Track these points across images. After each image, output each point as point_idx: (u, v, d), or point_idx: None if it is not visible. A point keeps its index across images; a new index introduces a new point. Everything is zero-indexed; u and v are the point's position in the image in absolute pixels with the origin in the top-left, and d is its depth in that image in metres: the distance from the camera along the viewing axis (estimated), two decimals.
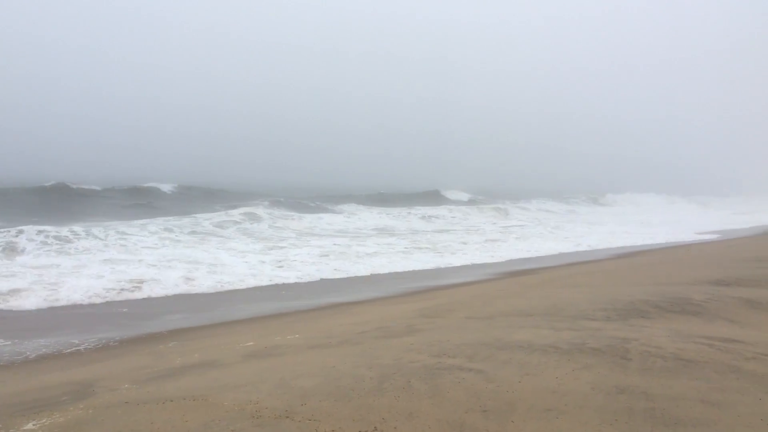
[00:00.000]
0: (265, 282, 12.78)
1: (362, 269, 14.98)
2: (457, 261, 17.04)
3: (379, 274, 14.35)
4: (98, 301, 10.43)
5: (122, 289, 11.11)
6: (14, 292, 10.66)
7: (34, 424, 3.87)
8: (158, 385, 4.80)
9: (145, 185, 44.56)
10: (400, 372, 4.48)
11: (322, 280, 13.41)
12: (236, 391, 4.29)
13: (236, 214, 28.28)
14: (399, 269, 15.15)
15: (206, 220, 26.13)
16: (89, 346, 7.60)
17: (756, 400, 3.65)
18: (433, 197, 57.06)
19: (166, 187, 45.53)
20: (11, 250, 16.00)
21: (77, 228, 19.74)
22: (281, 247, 19.46)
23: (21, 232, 17.66)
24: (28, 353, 7.28)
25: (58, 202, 33.29)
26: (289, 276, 13.63)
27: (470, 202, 55.44)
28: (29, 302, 10.17)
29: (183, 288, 11.71)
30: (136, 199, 38.17)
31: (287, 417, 3.67)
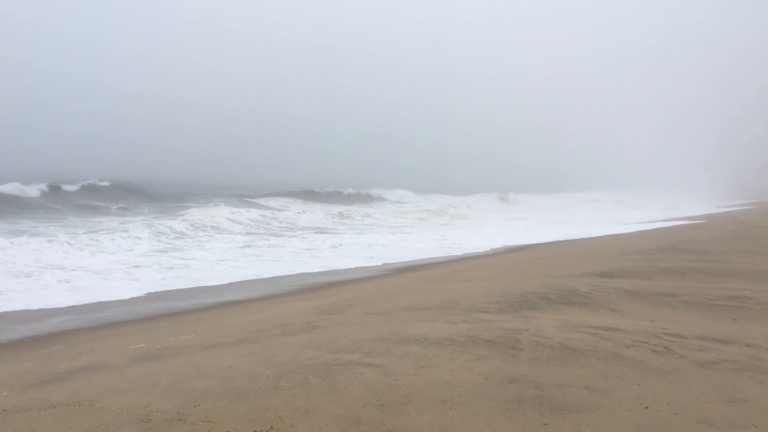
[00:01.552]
0: (159, 286, 12.25)
1: (262, 268, 14.74)
2: (355, 258, 17.10)
3: (278, 275, 14.17)
4: None
5: None
6: None
7: None
8: (41, 391, 4.54)
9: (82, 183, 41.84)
10: (297, 369, 4.45)
11: (223, 278, 13.05)
12: (125, 395, 4.13)
13: (153, 215, 27.31)
14: (299, 268, 15.00)
15: (112, 221, 24.93)
16: None
17: (635, 385, 3.89)
18: (365, 197, 57.33)
19: (102, 186, 42.84)
20: None
21: None
22: (182, 249, 18.86)
23: None
24: None
25: None
26: (192, 276, 13.19)
27: (401, 201, 55.74)
28: None
29: (67, 295, 10.99)
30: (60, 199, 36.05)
31: (179, 420, 3.56)
